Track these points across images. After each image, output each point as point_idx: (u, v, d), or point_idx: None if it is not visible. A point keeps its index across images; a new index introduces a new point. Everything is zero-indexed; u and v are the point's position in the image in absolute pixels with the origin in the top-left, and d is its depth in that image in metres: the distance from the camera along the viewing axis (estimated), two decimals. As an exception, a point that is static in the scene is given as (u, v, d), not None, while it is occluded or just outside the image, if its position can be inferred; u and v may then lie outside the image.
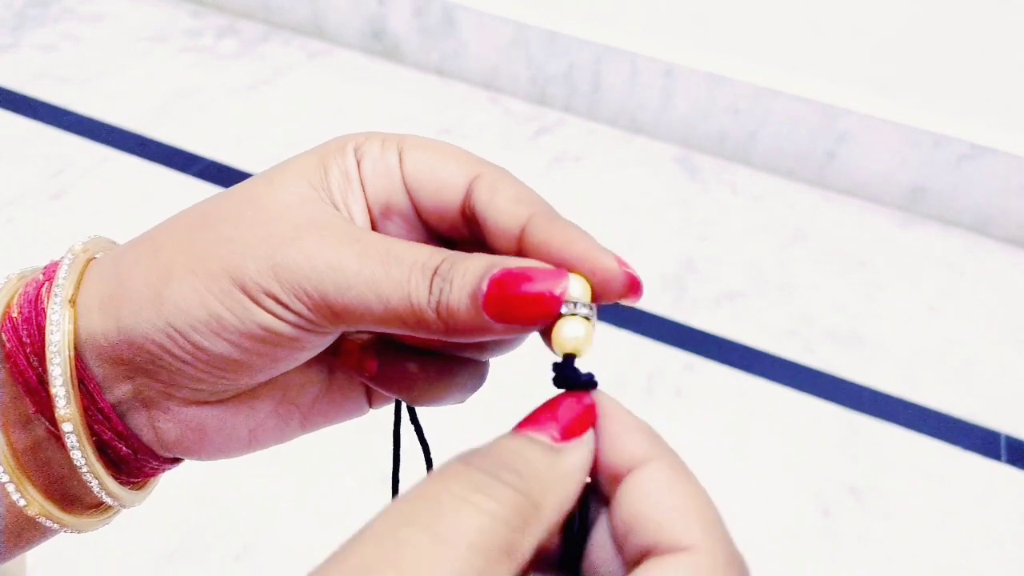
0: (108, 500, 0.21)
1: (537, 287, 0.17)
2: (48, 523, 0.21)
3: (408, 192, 0.21)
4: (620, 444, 0.17)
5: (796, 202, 1.12)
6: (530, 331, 0.18)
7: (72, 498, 0.21)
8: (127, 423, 0.21)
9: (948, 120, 1.04)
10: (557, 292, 0.17)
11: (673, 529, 0.15)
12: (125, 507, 0.22)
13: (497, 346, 0.22)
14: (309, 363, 0.22)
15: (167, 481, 0.85)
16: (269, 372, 0.20)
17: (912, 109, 1.05)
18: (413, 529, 0.13)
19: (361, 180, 0.21)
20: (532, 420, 0.17)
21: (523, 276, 0.18)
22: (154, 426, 0.21)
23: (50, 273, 0.21)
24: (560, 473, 0.16)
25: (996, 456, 0.86)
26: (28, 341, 0.19)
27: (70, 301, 0.20)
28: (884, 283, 1.02)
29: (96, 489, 0.21)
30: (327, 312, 0.18)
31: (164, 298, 0.19)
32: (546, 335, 0.18)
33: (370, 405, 0.24)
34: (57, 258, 0.21)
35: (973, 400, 0.90)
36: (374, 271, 0.18)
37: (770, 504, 0.80)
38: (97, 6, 1.35)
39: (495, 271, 0.18)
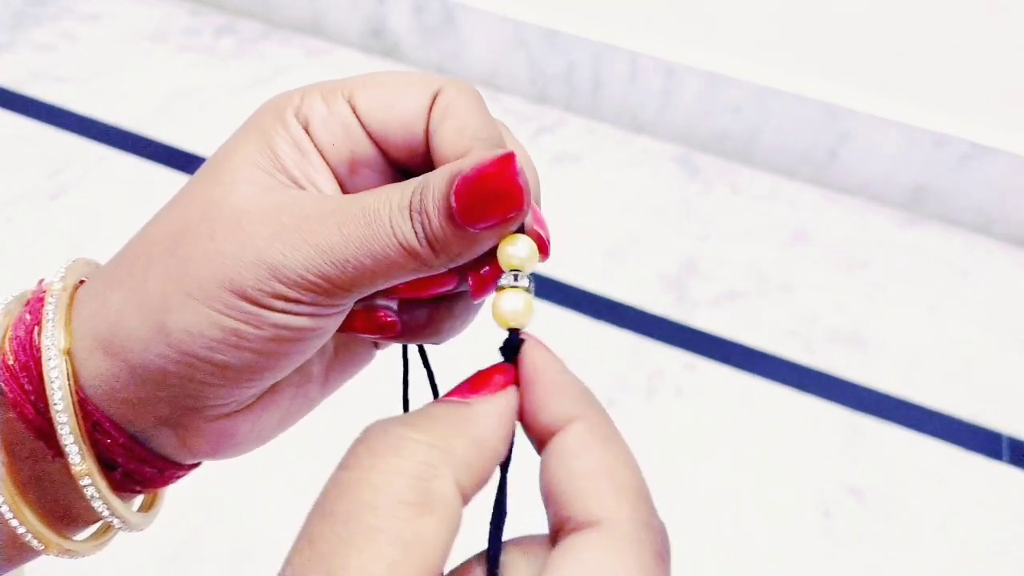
0: (119, 525, 0.21)
1: (494, 180, 0.17)
2: (49, 552, 0.20)
3: (371, 138, 0.20)
4: (544, 406, 0.16)
5: (797, 202, 1.12)
6: (511, 224, 0.18)
7: (72, 521, 0.21)
8: (152, 446, 0.20)
9: (950, 119, 1.04)
10: (515, 177, 0.18)
11: (584, 502, 0.15)
12: (135, 531, 0.22)
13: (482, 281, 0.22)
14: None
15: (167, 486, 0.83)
16: (297, 362, 0.20)
17: (914, 108, 1.05)
18: (332, 518, 0.14)
19: (316, 146, 0.20)
20: (450, 392, 0.17)
21: (479, 175, 0.17)
22: (185, 443, 0.21)
23: (36, 312, 0.20)
24: (468, 419, 0.16)
25: (998, 456, 0.86)
26: (30, 389, 0.19)
27: (65, 352, 0.19)
28: (885, 283, 1.02)
29: (119, 525, 0.20)
30: (336, 291, 0.18)
31: (170, 329, 0.18)
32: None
33: (376, 347, 0.25)
34: (44, 279, 0.21)
35: (975, 400, 0.90)
36: (361, 236, 0.18)
37: (771, 504, 0.80)
38: (95, 5, 1.35)
39: (456, 183, 0.18)
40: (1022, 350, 0.96)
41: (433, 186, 0.18)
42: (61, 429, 0.19)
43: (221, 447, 0.21)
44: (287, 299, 0.18)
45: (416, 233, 0.18)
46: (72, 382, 0.19)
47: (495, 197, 0.17)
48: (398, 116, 0.20)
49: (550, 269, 0.99)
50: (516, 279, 0.19)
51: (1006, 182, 1.04)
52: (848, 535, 0.79)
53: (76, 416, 0.19)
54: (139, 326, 0.19)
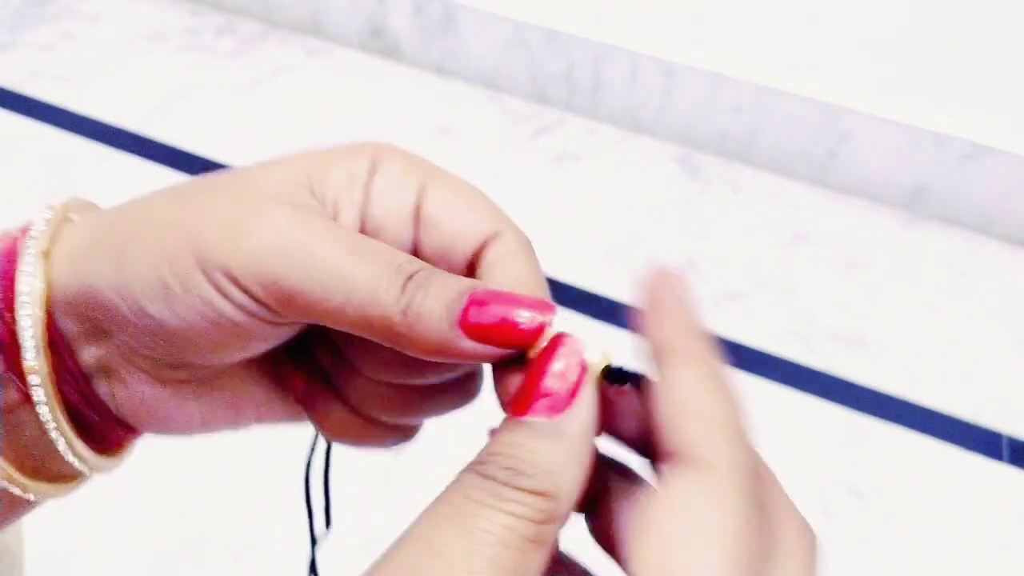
0: (76, 463, 0.21)
1: (524, 312, 0.17)
2: (11, 488, 0.20)
3: (417, 228, 0.20)
4: (670, 335, 0.17)
5: (797, 202, 1.12)
6: (494, 358, 0.17)
7: (38, 466, 0.21)
8: (93, 386, 0.20)
9: (950, 119, 1.04)
10: (546, 320, 0.17)
11: (689, 439, 0.16)
12: (95, 471, 0.22)
13: (439, 401, 0.21)
14: (264, 359, 0.22)
15: (167, 481, 0.84)
16: (219, 355, 0.19)
17: (914, 108, 1.05)
18: (447, 533, 0.15)
19: (367, 189, 0.20)
20: (521, 401, 0.16)
21: (510, 299, 0.17)
22: (113, 396, 0.21)
23: (26, 229, 0.20)
24: (566, 455, 0.16)
25: (998, 456, 0.86)
26: (1, 296, 0.19)
27: (43, 253, 0.19)
28: (886, 283, 1.02)
29: (63, 449, 0.20)
30: (279, 296, 0.17)
31: (124, 259, 0.18)
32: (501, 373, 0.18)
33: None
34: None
35: (975, 400, 0.90)
36: (344, 259, 0.17)
37: (771, 505, 0.80)
38: (95, 5, 1.35)
39: (478, 290, 0.17)
40: (1022, 350, 0.96)
41: (451, 278, 0.18)
42: (22, 322, 0.19)
43: (140, 414, 0.21)
44: (229, 277, 0.18)
45: (401, 294, 0.17)
46: (46, 280, 0.19)
47: (513, 326, 0.17)
48: (455, 227, 0.20)
49: (550, 269, 0.99)
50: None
51: (1006, 182, 1.04)
52: (849, 535, 0.79)
53: (41, 315, 0.19)
54: (106, 247, 0.19)
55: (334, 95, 1.22)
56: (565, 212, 1.07)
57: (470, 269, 0.20)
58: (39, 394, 0.19)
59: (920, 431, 0.87)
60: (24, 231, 0.20)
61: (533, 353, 0.17)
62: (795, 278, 1.01)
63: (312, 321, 0.18)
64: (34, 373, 0.19)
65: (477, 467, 0.16)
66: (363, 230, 0.20)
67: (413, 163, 0.20)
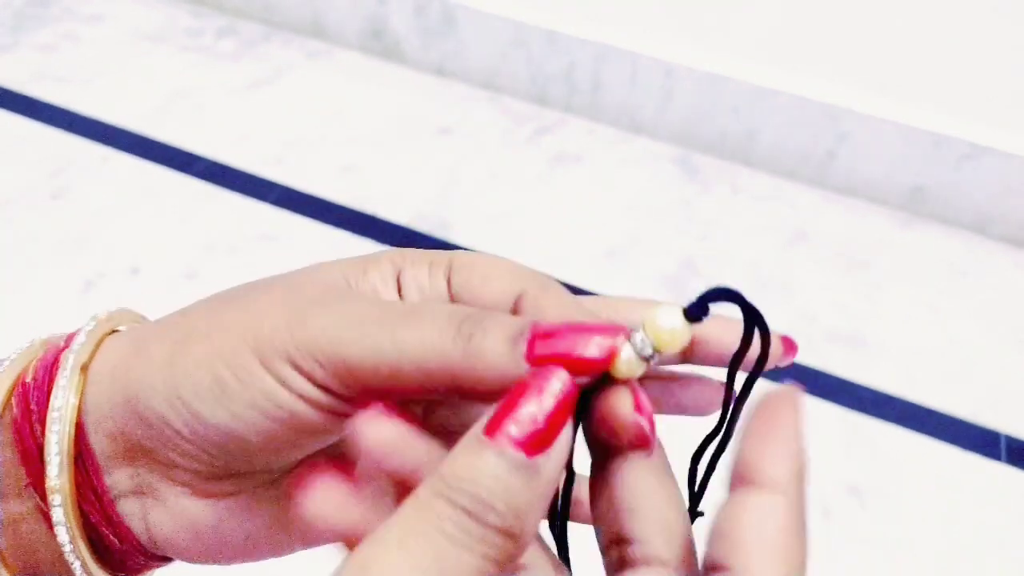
0: (63, 541, 0.19)
1: (594, 336, 0.16)
2: None
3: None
4: (764, 460, 0.16)
5: (796, 202, 1.12)
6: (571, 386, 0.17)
7: None
8: (119, 509, 0.19)
9: (948, 120, 1.04)
10: (616, 343, 0.16)
11: (751, 571, 0.15)
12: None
13: None
14: (318, 464, 0.20)
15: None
16: (275, 458, 0.19)
17: (912, 109, 1.05)
18: (398, 556, 0.14)
19: (398, 288, 0.20)
20: (496, 422, 0.15)
21: (576, 327, 0.17)
22: (146, 517, 0.19)
23: (70, 340, 0.19)
24: (537, 499, 0.15)
25: (996, 456, 0.86)
26: (35, 408, 0.18)
27: (82, 368, 0.19)
28: (884, 283, 1.02)
29: (78, 572, 0.19)
30: (339, 372, 0.17)
31: (176, 363, 0.18)
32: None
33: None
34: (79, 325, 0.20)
35: (973, 400, 0.90)
36: (398, 319, 0.17)
37: (770, 504, 0.80)
38: (97, 6, 1.35)
39: (540, 323, 0.17)
40: (1021, 350, 0.96)
41: (507, 315, 0.17)
42: (50, 437, 0.18)
43: (179, 536, 0.20)
44: (292, 363, 0.17)
45: (458, 335, 0.17)
46: (80, 394, 0.18)
47: (585, 347, 0.17)
48: (484, 295, 0.20)
49: (550, 269, 0.99)
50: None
51: (1005, 183, 1.04)
52: (848, 535, 0.79)
53: (70, 431, 0.18)
54: (155, 354, 0.18)
55: (335, 96, 1.22)
56: (565, 212, 1.07)
57: None
58: (58, 514, 0.18)
59: (919, 431, 0.87)
60: (68, 340, 0.19)
61: (617, 373, 0.17)
62: (794, 278, 1.02)
63: (374, 396, 0.17)
64: (56, 493, 0.18)
65: (448, 491, 0.15)
66: None
67: (437, 261, 0.20)
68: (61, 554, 0.19)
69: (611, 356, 0.16)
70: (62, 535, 0.18)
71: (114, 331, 0.20)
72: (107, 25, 1.32)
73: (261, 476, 0.20)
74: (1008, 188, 1.05)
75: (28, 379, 0.19)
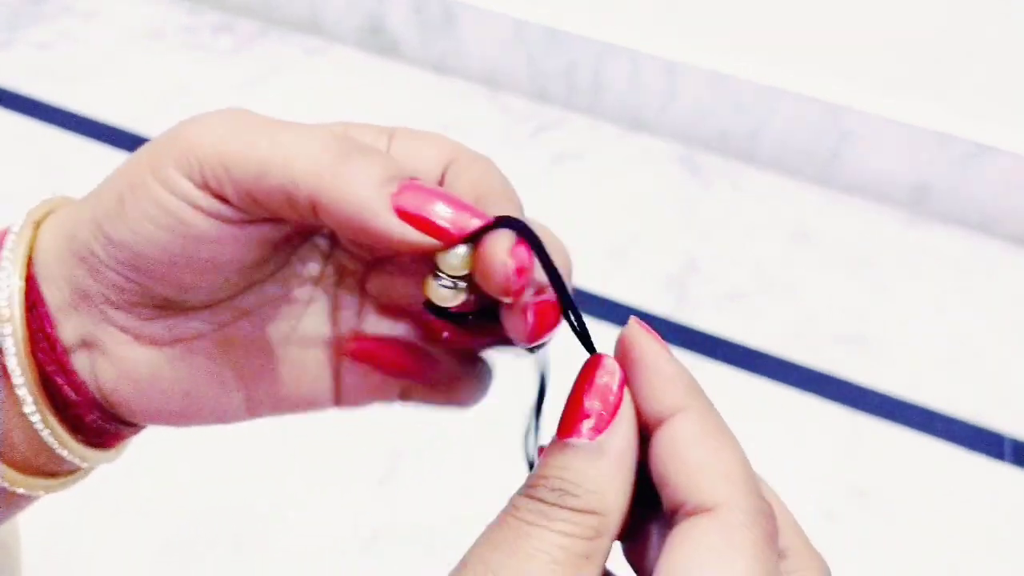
0: (52, 442, 0.20)
1: (453, 214, 0.17)
2: (4, 484, 0.20)
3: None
4: (654, 396, 0.17)
5: (800, 201, 1.11)
6: (416, 247, 0.18)
7: (28, 461, 0.20)
8: (71, 362, 0.20)
9: (953, 119, 1.03)
10: (457, 229, 0.17)
11: (699, 490, 0.16)
12: (79, 459, 0.21)
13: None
14: (249, 326, 0.21)
15: (167, 479, 0.84)
16: (188, 279, 0.19)
17: (917, 108, 1.05)
18: (502, 553, 0.15)
19: None
20: (565, 424, 0.17)
21: (449, 198, 0.18)
22: (94, 369, 0.20)
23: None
24: (610, 473, 0.16)
25: (1000, 457, 0.85)
26: None
27: (35, 223, 0.20)
28: (889, 283, 1.02)
29: (45, 435, 0.20)
30: (224, 178, 0.18)
31: (97, 194, 0.19)
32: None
33: (337, 402, 0.22)
34: None
35: (977, 401, 0.90)
36: (292, 134, 0.18)
37: (773, 507, 0.79)
38: (93, 3, 1.34)
39: (418, 179, 0.18)
40: (1025, 350, 0.95)
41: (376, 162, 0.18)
42: (0, 275, 0.19)
43: (122, 388, 0.21)
44: (184, 174, 0.18)
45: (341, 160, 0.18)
46: (31, 242, 0.20)
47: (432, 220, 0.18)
48: (414, 163, 0.20)
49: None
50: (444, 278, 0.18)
51: (1009, 181, 1.04)
52: (851, 536, 0.78)
53: (23, 275, 0.19)
54: (84, 202, 0.20)
55: (333, 93, 1.21)
56: (566, 211, 1.07)
57: None
58: (8, 345, 0.19)
59: (922, 432, 0.87)
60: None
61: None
62: (797, 278, 1.01)
63: (260, 209, 0.18)
64: (6, 322, 0.19)
65: (528, 490, 0.16)
66: None
67: (381, 129, 0.22)
68: (31, 424, 0.20)
69: (456, 237, 0.17)
70: (13, 367, 0.19)
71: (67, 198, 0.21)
72: (103, 22, 1.31)
73: (192, 323, 0.20)
74: (1013, 187, 1.04)
75: None
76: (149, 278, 0.19)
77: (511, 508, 0.16)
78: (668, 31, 1.13)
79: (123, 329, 0.20)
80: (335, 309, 0.22)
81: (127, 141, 1.12)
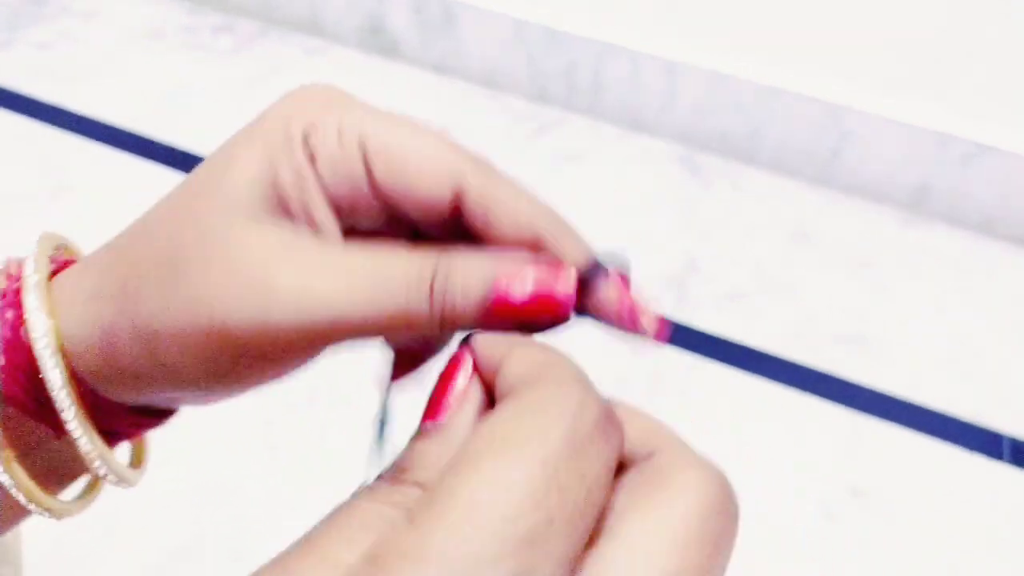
0: (113, 480, 0.21)
1: (544, 292, 0.17)
2: (16, 494, 0.20)
3: (379, 197, 0.19)
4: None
5: (800, 201, 1.11)
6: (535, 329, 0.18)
7: (58, 482, 0.21)
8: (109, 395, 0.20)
9: (953, 119, 1.04)
10: (562, 294, 0.17)
11: (520, 376, 0.15)
12: (127, 486, 0.21)
13: None
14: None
15: (166, 480, 0.84)
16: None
17: (917, 108, 1.05)
18: (321, 526, 0.15)
19: (318, 181, 0.19)
20: (425, 414, 0.17)
21: (530, 281, 0.17)
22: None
23: (15, 304, 0.20)
24: (448, 446, 0.15)
25: (999, 457, 0.85)
26: (28, 386, 0.19)
27: (54, 333, 0.19)
28: (888, 283, 1.02)
29: (107, 474, 0.20)
30: (320, 343, 0.18)
31: (160, 360, 0.18)
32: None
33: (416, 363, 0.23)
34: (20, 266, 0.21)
35: (976, 401, 0.90)
36: (367, 298, 0.17)
37: (773, 506, 0.79)
38: (93, 3, 1.34)
39: (500, 281, 0.17)
40: (1023, 350, 0.95)
41: (469, 269, 0.17)
42: (66, 415, 0.19)
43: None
44: (275, 344, 0.18)
45: (431, 307, 0.17)
46: (66, 370, 0.19)
47: (541, 311, 0.17)
48: (414, 190, 0.19)
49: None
50: None
51: (1009, 182, 1.04)
52: (850, 536, 0.78)
53: (76, 400, 0.19)
54: (131, 346, 0.19)
55: (333, 94, 1.21)
56: (565, 211, 1.06)
57: (451, 214, 0.19)
58: (85, 445, 0.19)
59: (921, 431, 0.87)
60: (15, 307, 0.20)
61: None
62: (797, 278, 1.01)
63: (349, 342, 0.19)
64: (80, 433, 0.19)
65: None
66: (336, 214, 0.19)
67: (345, 131, 0.19)
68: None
69: (568, 306, 0.17)
70: (93, 457, 0.19)
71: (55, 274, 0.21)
72: (104, 22, 1.31)
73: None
74: (1013, 187, 1.04)
75: (1, 362, 0.19)
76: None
77: (349, 499, 0.16)
78: (668, 31, 1.13)
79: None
80: None
81: (127, 141, 1.12)
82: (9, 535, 0.33)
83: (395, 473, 0.15)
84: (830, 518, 0.79)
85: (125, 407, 0.21)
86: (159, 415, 0.22)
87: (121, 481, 0.21)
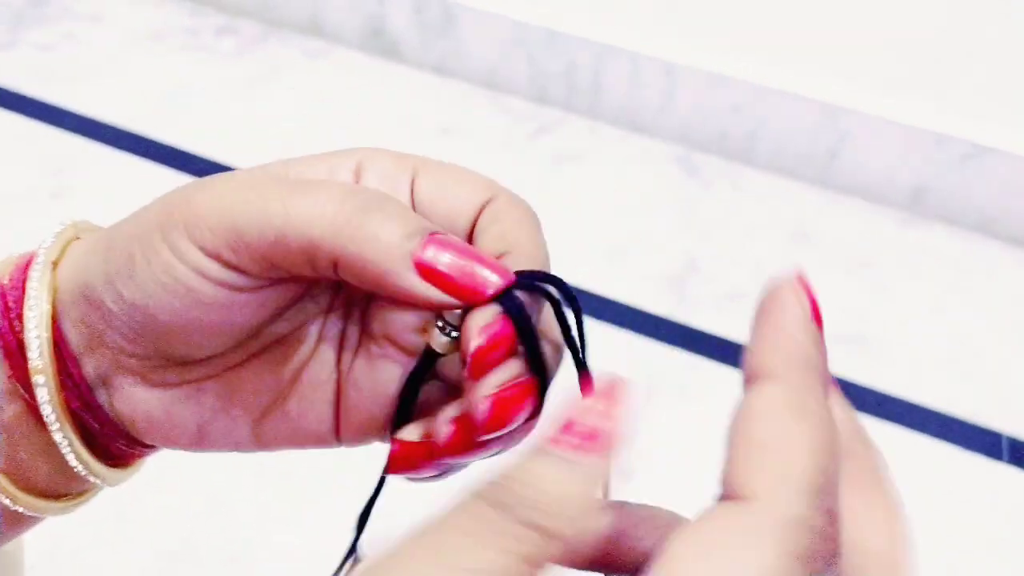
0: (80, 468, 0.20)
1: (482, 267, 0.17)
2: (11, 505, 0.20)
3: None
4: (757, 351, 0.15)
5: (798, 202, 1.12)
6: (437, 305, 0.18)
7: (41, 483, 0.21)
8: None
9: (951, 119, 1.04)
10: (488, 290, 0.17)
11: (745, 471, 0.13)
12: (100, 479, 0.22)
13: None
14: (258, 365, 0.21)
15: (167, 480, 0.84)
16: (197, 341, 0.19)
17: (915, 108, 1.05)
18: (425, 565, 0.13)
19: (356, 180, 0.20)
20: (558, 430, 0.15)
21: (473, 254, 0.18)
22: (112, 406, 0.21)
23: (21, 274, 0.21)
24: (573, 492, 0.14)
25: (998, 457, 0.85)
26: (13, 306, 0.19)
27: (53, 263, 0.20)
28: (886, 284, 1.02)
29: (66, 451, 0.20)
30: (235, 244, 0.18)
31: (109, 250, 0.19)
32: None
33: (338, 438, 0.22)
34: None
35: (975, 400, 0.90)
36: (300, 192, 0.17)
37: (772, 506, 0.79)
38: (95, 5, 1.34)
39: (440, 233, 0.18)
40: (1022, 351, 0.96)
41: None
42: (28, 324, 0.19)
43: (137, 423, 0.21)
44: (194, 242, 0.18)
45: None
46: (53, 287, 0.20)
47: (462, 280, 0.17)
48: (449, 205, 0.20)
49: (551, 270, 0.98)
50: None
51: (1008, 182, 1.04)
52: (849, 536, 0.78)
53: (47, 319, 0.19)
54: (98, 245, 0.20)
55: (334, 95, 1.22)
56: (565, 212, 1.07)
57: (470, 241, 0.20)
58: (43, 394, 0.19)
59: (920, 431, 0.87)
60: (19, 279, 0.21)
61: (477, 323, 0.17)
62: (796, 278, 1.01)
63: (266, 270, 0.18)
64: (39, 373, 0.19)
65: (479, 489, 0.14)
66: None
67: (401, 158, 0.20)
68: (50, 445, 0.20)
69: (478, 297, 0.17)
70: (48, 414, 0.19)
71: (78, 237, 0.21)
72: (106, 24, 1.31)
73: (201, 368, 0.20)
74: (1011, 188, 1.04)
75: (4, 281, 0.20)
76: (159, 337, 0.19)
77: (452, 510, 0.14)
78: (667, 32, 1.13)
79: (133, 372, 0.20)
80: (342, 345, 0.21)
81: (129, 142, 1.12)
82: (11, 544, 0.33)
83: (521, 509, 0.13)
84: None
85: (119, 429, 0.21)
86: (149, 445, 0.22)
87: (86, 467, 0.21)
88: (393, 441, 0.19)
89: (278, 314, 0.20)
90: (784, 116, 1.10)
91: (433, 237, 0.17)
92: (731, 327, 0.95)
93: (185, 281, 0.18)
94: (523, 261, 0.18)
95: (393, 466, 0.19)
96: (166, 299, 0.18)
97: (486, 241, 0.19)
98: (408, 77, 1.25)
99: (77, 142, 1.12)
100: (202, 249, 0.18)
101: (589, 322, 0.97)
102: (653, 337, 0.93)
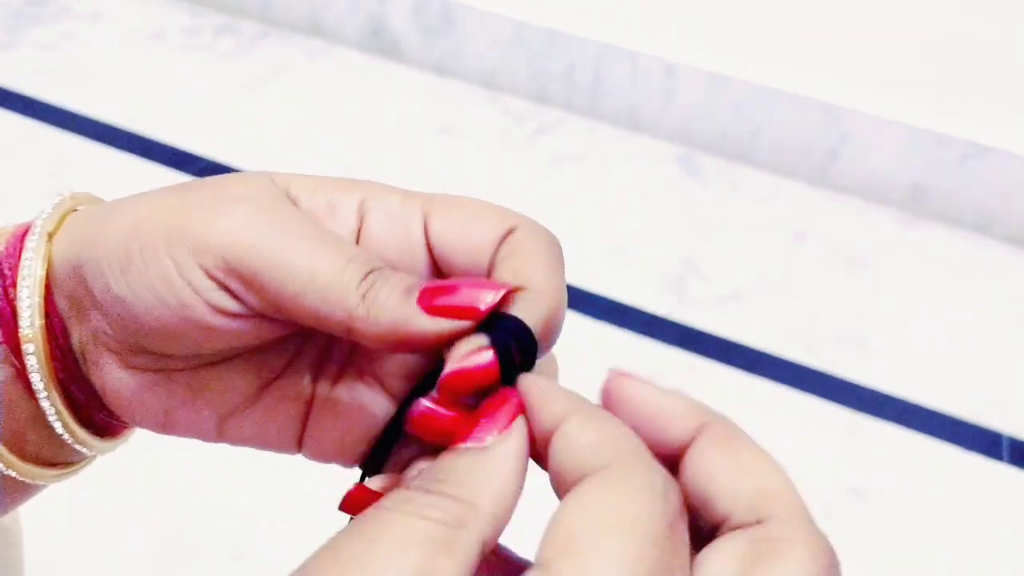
0: (67, 438, 0.21)
1: (476, 292, 0.17)
2: (9, 472, 0.20)
3: (432, 254, 0.20)
4: (664, 431, 0.17)
5: (798, 201, 1.12)
6: (449, 335, 0.17)
7: (34, 450, 0.21)
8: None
9: (951, 119, 1.04)
10: (482, 306, 0.17)
11: (745, 498, 0.15)
12: (88, 449, 0.22)
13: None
14: (230, 368, 0.21)
15: (166, 481, 0.84)
16: (175, 346, 0.19)
17: (915, 108, 1.05)
18: (350, 537, 0.14)
19: (361, 232, 0.20)
20: (462, 436, 0.16)
21: (471, 283, 0.17)
22: (90, 377, 0.21)
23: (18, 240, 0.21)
24: (490, 470, 0.15)
25: (998, 456, 0.85)
26: (8, 273, 0.20)
27: (48, 235, 0.20)
28: (886, 283, 1.02)
29: (53, 419, 0.20)
30: (240, 279, 0.18)
31: (102, 235, 0.19)
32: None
33: (299, 448, 0.22)
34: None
35: (975, 400, 0.90)
36: (309, 246, 0.18)
37: (772, 505, 0.79)
38: (95, 5, 1.34)
39: (430, 283, 0.18)
40: (1022, 351, 0.96)
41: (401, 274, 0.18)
42: (21, 292, 0.19)
43: (109, 400, 0.21)
44: (199, 264, 0.18)
45: (363, 280, 0.17)
46: (47, 257, 0.20)
47: (466, 303, 0.17)
48: (468, 244, 0.19)
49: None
50: None
51: (1007, 182, 1.04)
52: (849, 535, 0.78)
53: (40, 289, 0.20)
54: (93, 224, 0.20)
55: (334, 95, 1.22)
56: (565, 212, 1.07)
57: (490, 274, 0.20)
58: (32, 362, 0.19)
59: (920, 431, 0.87)
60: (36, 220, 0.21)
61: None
62: (795, 278, 1.01)
63: (269, 311, 0.18)
64: (29, 342, 0.19)
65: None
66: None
67: (408, 197, 0.20)
68: (40, 412, 0.20)
69: (482, 312, 0.17)
70: (36, 382, 0.20)
71: (75, 209, 0.21)
72: (106, 24, 1.31)
73: (174, 360, 0.20)
74: (1011, 187, 1.04)
75: (0, 248, 0.20)
76: (138, 332, 0.19)
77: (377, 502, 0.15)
78: (668, 32, 1.13)
79: (111, 350, 0.20)
80: (321, 368, 0.22)
81: (129, 142, 1.12)
82: (10, 517, 0.33)
83: (429, 483, 0.15)
84: (829, 517, 0.79)
85: (100, 401, 0.21)
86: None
87: (74, 436, 0.21)
88: (357, 485, 0.20)
89: (266, 340, 0.20)
90: (784, 116, 1.10)
91: (427, 285, 0.18)
92: (730, 327, 0.95)
93: (181, 296, 0.18)
94: (533, 298, 0.18)
95: (347, 507, 0.20)
96: (154, 305, 0.18)
97: (501, 275, 0.19)
98: (408, 77, 1.25)
99: (77, 142, 1.12)
100: (204, 271, 0.18)
101: (589, 321, 0.97)
102: (652, 337, 0.93)
